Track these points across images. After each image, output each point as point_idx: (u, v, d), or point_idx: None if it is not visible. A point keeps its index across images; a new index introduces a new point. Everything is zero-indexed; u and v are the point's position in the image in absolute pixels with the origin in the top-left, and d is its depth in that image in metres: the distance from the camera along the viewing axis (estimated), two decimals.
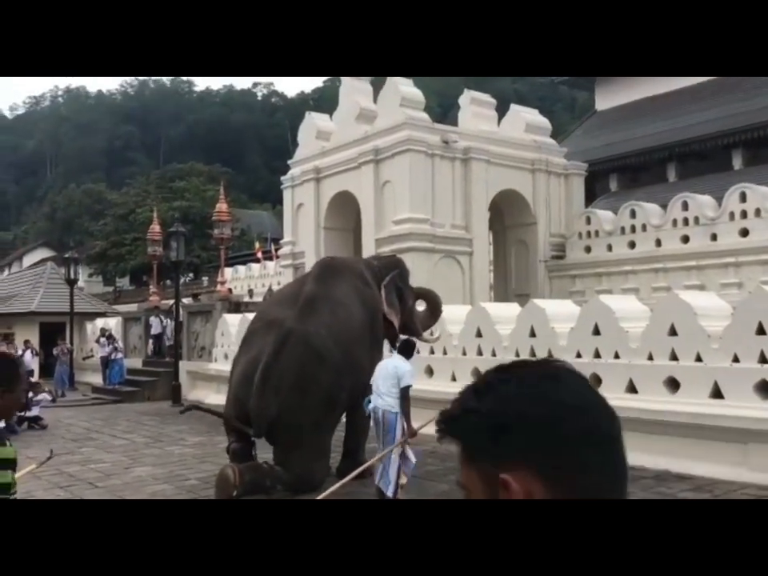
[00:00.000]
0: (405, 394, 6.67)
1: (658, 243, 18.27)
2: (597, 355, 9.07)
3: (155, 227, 23.30)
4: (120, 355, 19.71)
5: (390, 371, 6.75)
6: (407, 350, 7.08)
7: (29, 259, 57.05)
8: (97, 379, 20.61)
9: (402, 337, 8.04)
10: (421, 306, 9.49)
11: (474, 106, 19.99)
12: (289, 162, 22.03)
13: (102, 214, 59.81)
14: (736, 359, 7.72)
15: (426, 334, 9.27)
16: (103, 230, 57.13)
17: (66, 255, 24.85)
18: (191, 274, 51.60)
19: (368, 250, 18.26)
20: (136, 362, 20.97)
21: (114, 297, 49.52)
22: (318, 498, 6.19)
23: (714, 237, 17.24)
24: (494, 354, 10.40)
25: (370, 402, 6.89)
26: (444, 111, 53.90)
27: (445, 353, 11.16)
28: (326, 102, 47.51)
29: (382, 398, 6.68)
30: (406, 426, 6.66)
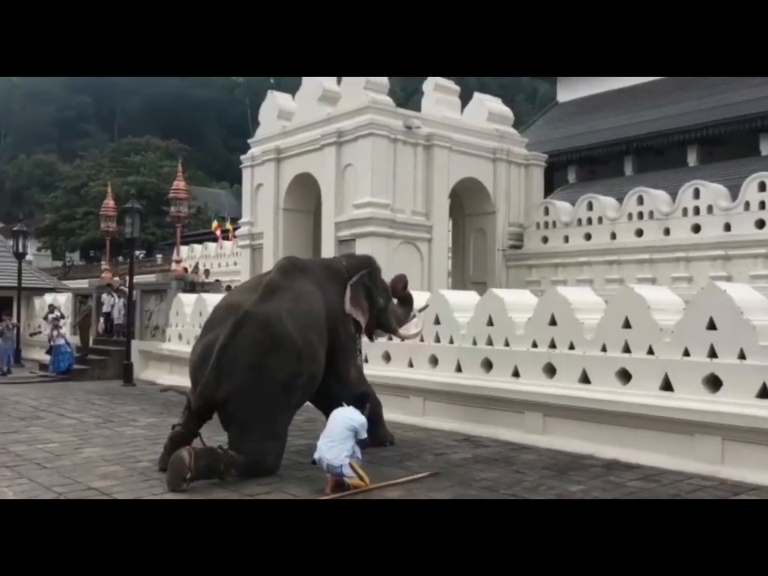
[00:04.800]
0: (362, 446, 6.93)
1: (613, 236, 18.61)
2: (552, 345, 9.19)
3: (109, 202, 22.73)
4: (61, 341, 17.85)
5: (346, 422, 6.77)
6: (359, 403, 7.16)
7: None
8: (44, 356, 20.07)
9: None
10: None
11: (438, 92, 19.96)
12: (249, 141, 21.72)
13: (52, 187, 58.21)
14: (686, 353, 7.90)
15: (402, 330, 9.49)
16: (54, 202, 55.58)
17: (15, 228, 24.03)
18: (144, 251, 50.69)
19: (328, 233, 18.18)
20: None
21: (64, 272, 48.36)
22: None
23: (667, 231, 17.63)
24: (451, 342, 10.45)
25: (316, 448, 6.85)
26: (407, 95, 53.78)
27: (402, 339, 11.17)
28: (287, 80, 46.94)
29: (329, 448, 6.62)
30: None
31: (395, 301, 9.52)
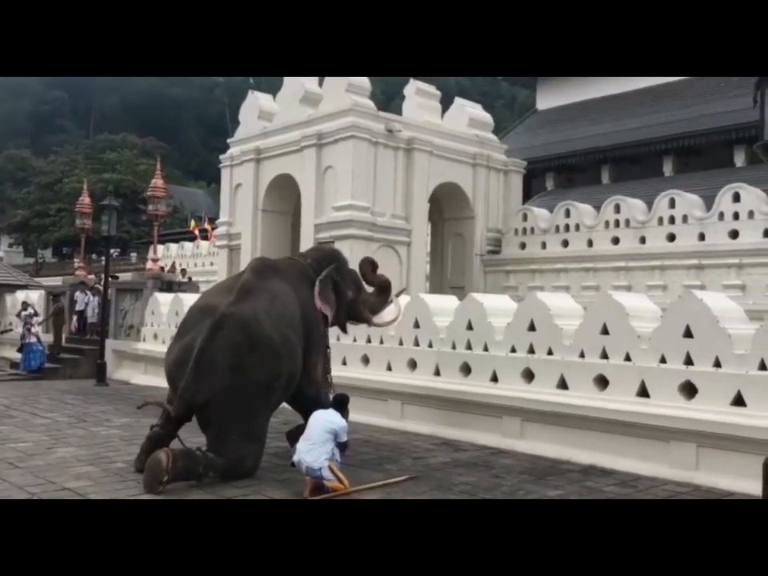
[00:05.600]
0: (342, 449, 6.92)
1: (590, 243, 18.77)
2: (531, 351, 9.25)
3: (85, 199, 22.46)
4: (34, 339, 17.64)
5: (325, 425, 6.73)
6: (340, 405, 7.15)
7: None
8: (16, 354, 19.75)
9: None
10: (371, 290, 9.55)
11: (419, 96, 20.00)
12: (228, 140, 21.57)
13: (25, 182, 57.33)
14: (663, 360, 8.00)
15: (376, 318, 9.41)
16: (26, 198, 54.82)
17: None
18: (118, 250, 50.16)
19: (307, 234, 18.11)
20: None
21: (36, 269, 47.69)
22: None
23: (642, 240, 17.82)
24: (430, 345, 10.47)
25: (295, 451, 6.77)
26: (387, 99, 53.86)
27: (381, 342, 11.17)
28: (268, 81, 46.77)
29: (308, 450, 6.58)
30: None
31: (371, 289, 9.49)
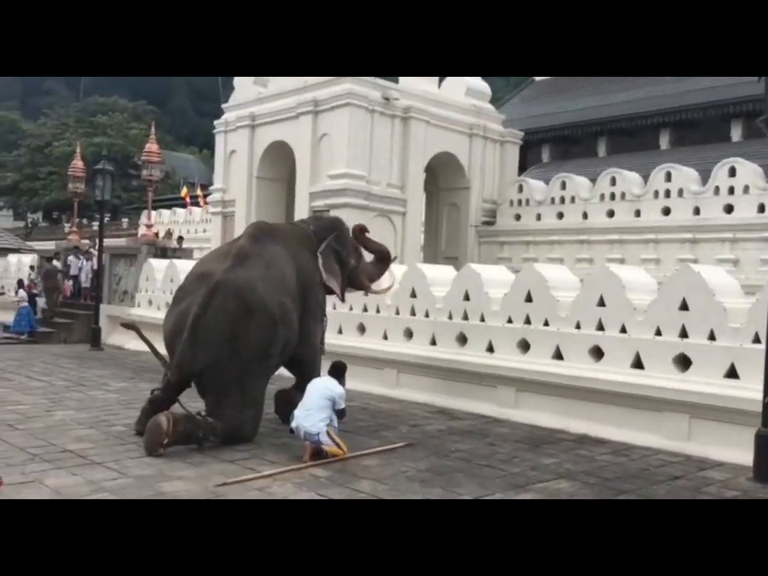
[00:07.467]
0: (340, 416, 6.94)
1: (585, 216, 18.82)
2: (527, 321, 9.32)
3: (78, 163, 22.20)
4: (25, 303, 17.91)
5: (324, 392, 6.81)
6: (338, 373, 7.18)
7: None
8: (8, 317, 19.72)
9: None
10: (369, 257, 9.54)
11: None
12: (223, 105, 21.35)
13: (15, 145, 56.53)
14: (658, 332, 8.09)
15: (374, 285, 9.41)
16: (16, 161, 54.21)
17: None
18: (109, 215, 49.77)
19: (302, 202, 18.06)
20: None
21: (26, 233, 47.40)
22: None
23: (637, 213, 17.89)
24: (426, 315, 10.52)
25: (293, 417, 6.85)
26: None
27: (378, 311, 11.22)
28: None
29: (306, 416, 6.66)
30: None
31: (370, 257, 9.47)
